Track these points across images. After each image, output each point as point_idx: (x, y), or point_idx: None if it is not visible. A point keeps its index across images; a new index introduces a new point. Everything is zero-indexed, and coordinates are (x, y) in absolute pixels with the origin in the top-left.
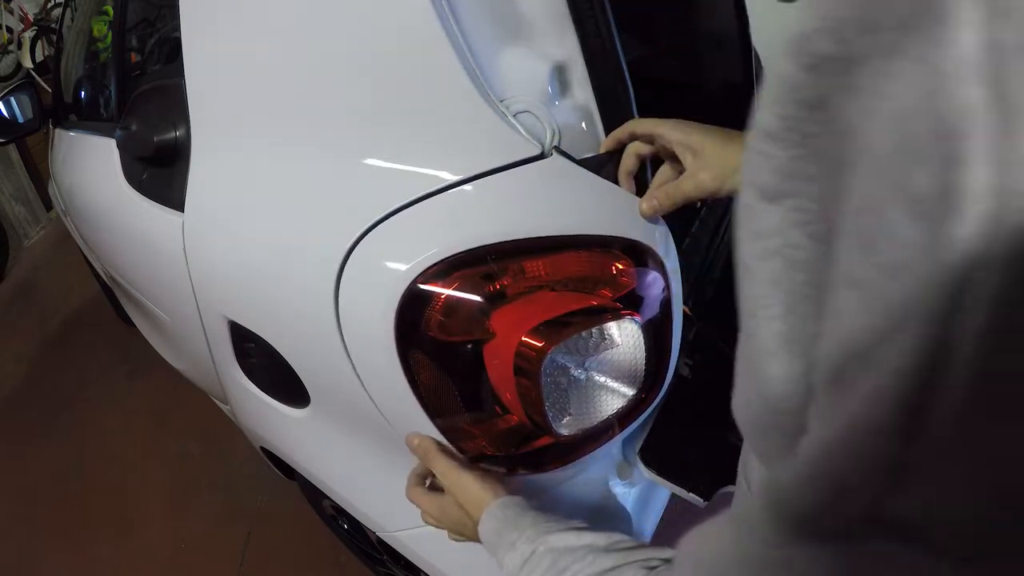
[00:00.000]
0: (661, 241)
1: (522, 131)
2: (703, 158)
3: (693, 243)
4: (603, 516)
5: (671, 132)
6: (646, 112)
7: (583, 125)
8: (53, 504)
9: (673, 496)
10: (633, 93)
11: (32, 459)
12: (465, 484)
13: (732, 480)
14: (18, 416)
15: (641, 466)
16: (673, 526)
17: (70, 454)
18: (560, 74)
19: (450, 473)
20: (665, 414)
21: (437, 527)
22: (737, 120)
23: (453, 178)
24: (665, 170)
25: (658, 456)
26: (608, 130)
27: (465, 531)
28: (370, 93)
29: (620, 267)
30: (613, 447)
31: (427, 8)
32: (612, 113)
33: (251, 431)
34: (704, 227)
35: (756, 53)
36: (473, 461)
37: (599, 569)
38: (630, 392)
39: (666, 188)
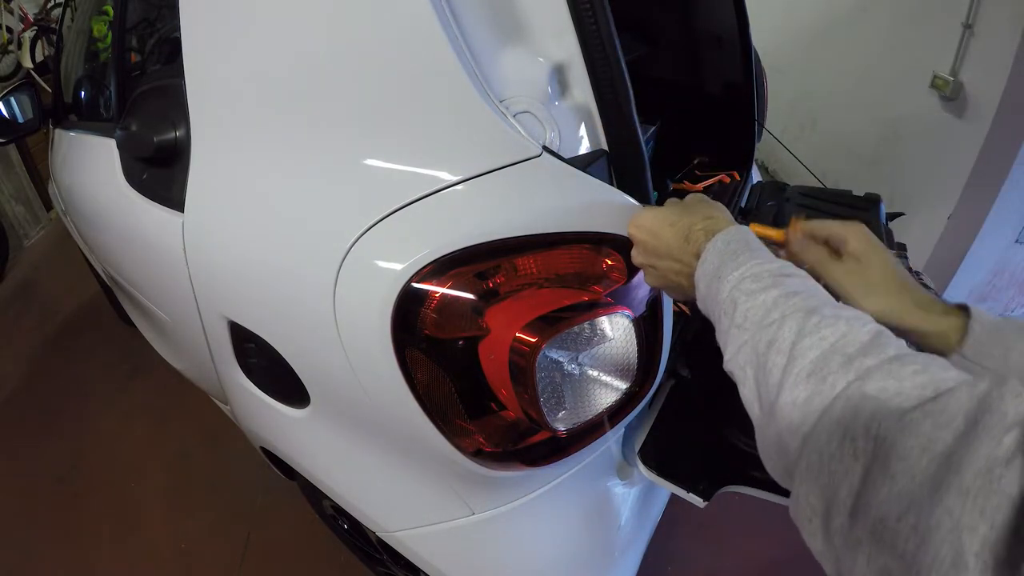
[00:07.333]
0: None
1: (522, 131)
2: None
3: None
4: (603, 516)
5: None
6: (645, 112)
7: (583, 125)
8: (53, 504)
9: (673, 496)
10: (633, 93)
11: (32, 459)
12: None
13: (732, 480)
14: (18, 416)
15: (641, 466)
16: (673, 526)
17: (70, 454)
18: (560, 74)
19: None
20: (665, 414)
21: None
22: (737, 119)
23: (452, 179)
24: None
25: (658, 456)
26: (608, 130)
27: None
28: (370, 94)
29: (610, 263)
30: (612, 447)
31: (427, 9)
32: (612, 113)
33: (251, 431)
34: None
35: (756, 53)
36: (471, 457)
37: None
38: (623, 386)
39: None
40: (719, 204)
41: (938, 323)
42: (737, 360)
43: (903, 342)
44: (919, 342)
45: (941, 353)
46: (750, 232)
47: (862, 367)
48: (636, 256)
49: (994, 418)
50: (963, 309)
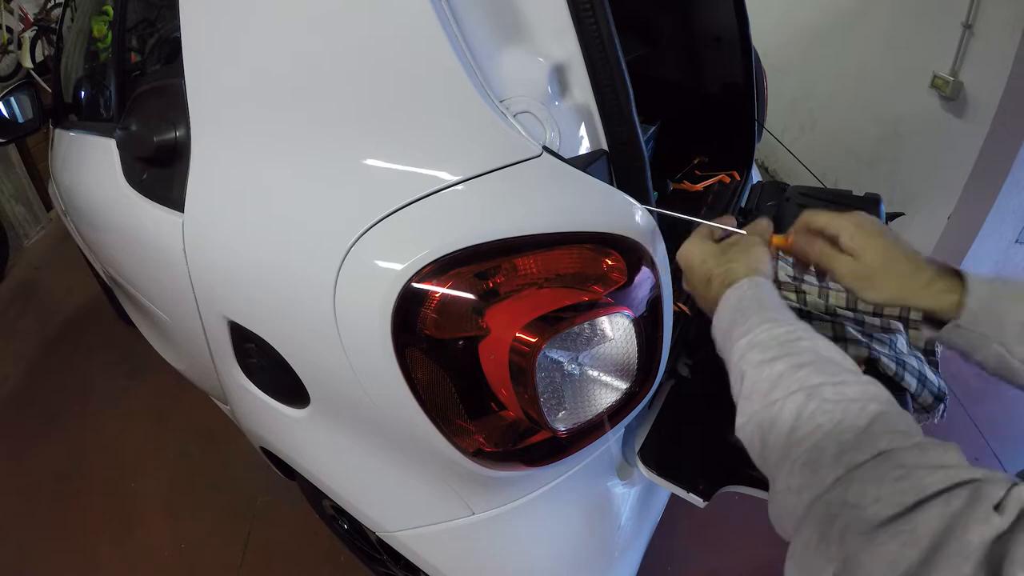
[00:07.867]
0: (650, 236)
1: (522, 131)
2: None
3: None
4: (603, 516)
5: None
6: (645, 112)
7: (583, 125)
8: (53, 504)
9: (673, 496)
10: (633, 93)
11: (32, 459)
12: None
13: (732, 480)
14: (18, 416)
15: (641, 466)
16: (673, 526)
17: (70, 454)
18: (560, 74)
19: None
20: (665, 414)
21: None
22: (737, 119)
23: (452, 179)
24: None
25: (658, 456)
26: (608, 130)
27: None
28: (370, 94)
29: (610, 263)
30: (612, 447)
31: (427, 8)
32: (612, 113)
33: (251, 431)
34: None
35: (756, 53)
36: (471, 457)
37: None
38: (623, 386)
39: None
40: (753, 247)
41: (939, 301)
42: (745, 431)
43: (903, 421)
44: (926, 316)
45: (944, 321)
46: (764, 285)
47: (851, 463)
48: (683, 283)
49: (957, 545)
50: (962, 280)
